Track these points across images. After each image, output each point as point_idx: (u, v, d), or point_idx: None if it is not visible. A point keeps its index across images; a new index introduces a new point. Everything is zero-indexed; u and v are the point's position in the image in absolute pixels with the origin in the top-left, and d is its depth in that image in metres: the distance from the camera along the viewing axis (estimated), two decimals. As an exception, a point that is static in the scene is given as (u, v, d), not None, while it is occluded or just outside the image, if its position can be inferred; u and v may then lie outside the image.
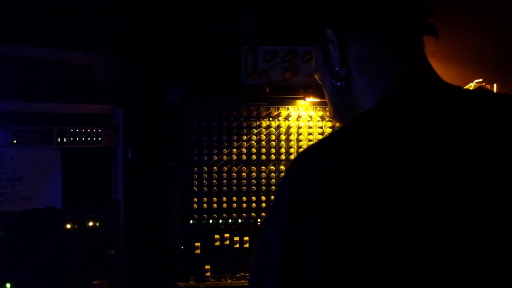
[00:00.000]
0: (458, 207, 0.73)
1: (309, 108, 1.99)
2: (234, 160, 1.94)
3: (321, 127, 1.99)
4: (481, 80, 2.27)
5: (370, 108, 0.88)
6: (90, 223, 1.93)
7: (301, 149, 1.96)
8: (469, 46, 2.45)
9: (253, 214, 1.94)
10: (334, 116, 1.08)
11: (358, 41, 0.95)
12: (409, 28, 0.93)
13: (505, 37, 2.45)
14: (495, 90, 2.20)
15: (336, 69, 0.96)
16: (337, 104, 1.03)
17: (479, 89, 1.89)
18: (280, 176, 1.95)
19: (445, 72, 2.64)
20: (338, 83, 0.97)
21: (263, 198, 1.94)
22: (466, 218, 0.73)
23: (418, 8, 0.95)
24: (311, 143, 1.98)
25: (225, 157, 1.93)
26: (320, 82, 1.09)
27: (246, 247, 1.93)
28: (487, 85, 2.25)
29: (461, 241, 0.72)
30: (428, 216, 0.72)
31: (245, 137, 1.94)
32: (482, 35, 2.43)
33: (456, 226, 0.72)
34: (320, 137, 1.98)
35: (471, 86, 2.28)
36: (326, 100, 1.08)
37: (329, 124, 1.98)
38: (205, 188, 1.92)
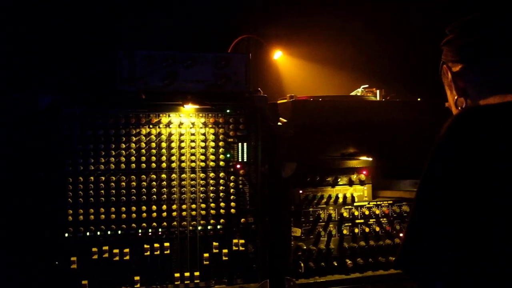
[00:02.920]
0: None
1: (191, 115, 1.95)
2: (113, 169, 1.86)
3: (203, 134, 1.95)
4: (367, 86, 2.32)
5: None
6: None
7: (183, 157, 1.92)
8: (358, 54, 2.52)
9: (133, 225, 1.87)
10: None
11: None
12: None
13: (390, 46, 2.54)
14: (378, 96, 2.25)
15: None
16: None
17: None
18: (162, 185, 1.90)
19: (336, 77, 2.69)
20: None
21: (144, 207, 1.88)
22: None
23: None
24: (193, 150, 1.94)
25: (102, 167, 1.85)
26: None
27: (126, 259, 1.86)
28: (372, 90, 2.31)
29: None
30: None
31: (123, 145, 1.87)
32: (370, 44, 2.50)
33: None
34: (203, 144, 1.94)
35: (359, 91, 2.32)
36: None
37: (212, 130, 1.95)
38: (81, 199, 1.83)
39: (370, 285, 2.08)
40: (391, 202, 2.15)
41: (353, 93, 2.31)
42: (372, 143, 2.10)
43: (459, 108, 1.38)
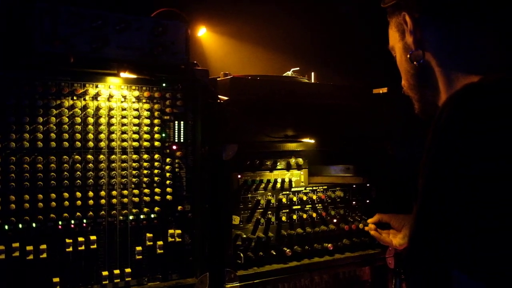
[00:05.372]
0: None
1: (122, 87, 1.68)
2: (26, 148, 1.52)
3: (137, 109, 1.70)
4: (297, 68, 2.25)
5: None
6: None
7: (113, 135, 1.65)
8: (289, 35, 2.44)
9: (52, 215, 1.55)
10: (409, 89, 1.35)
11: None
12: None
13: (322, 30, 2.50)
14: (312, 79, 2.19)
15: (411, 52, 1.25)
16: (411, 81, 1.32)
17: None
18: (88, 168, 1.60)
19: (265, 59, 2.57)
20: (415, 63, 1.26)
21: (66, 195, 1.57)
22: None
23: None
24: (125, 128, 1.68)
25: (13, 144, 1.50)
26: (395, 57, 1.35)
27: (43, 258, 1.53)
28: (305, 74, 2.24)
29: None
30: None
31: (41, 119, 1.54)
32: (300, 26, 2.44)
33: None
34: (136, 121, 1.69)
35: (289, 73, 2.24)
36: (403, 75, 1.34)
37: (147, 106, 1.71)
38: (-16, 185, 1.46)
39: (308, 273, 2.00)
40: (325, 187, 2.10)
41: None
42: (311, 126, 2.03)
43: (414, 63, 1.27)
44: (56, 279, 1.56)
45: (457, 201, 1.01)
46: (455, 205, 1.01)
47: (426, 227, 1.07)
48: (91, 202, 1.61)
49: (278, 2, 2.43)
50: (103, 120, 1.64)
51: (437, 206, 1.04)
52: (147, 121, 1.71)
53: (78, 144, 1.60)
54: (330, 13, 2.49)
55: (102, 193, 1.63)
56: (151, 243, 1.71)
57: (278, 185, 1.98)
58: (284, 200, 1.99)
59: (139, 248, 1.69)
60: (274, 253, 1.94)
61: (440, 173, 1.04)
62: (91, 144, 1.62)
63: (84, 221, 1.61)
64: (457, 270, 1.03)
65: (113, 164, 1.66)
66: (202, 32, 2.33)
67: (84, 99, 1.62)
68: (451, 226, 1.02)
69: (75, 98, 1.60)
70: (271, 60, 2.38)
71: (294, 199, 2.01)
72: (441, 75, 1.25)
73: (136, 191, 1.69)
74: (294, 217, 2.00)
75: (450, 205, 1.02)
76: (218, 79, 1.93)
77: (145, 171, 1.71)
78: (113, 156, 1.66)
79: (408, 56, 1.28)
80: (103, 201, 1.64)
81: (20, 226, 1.51)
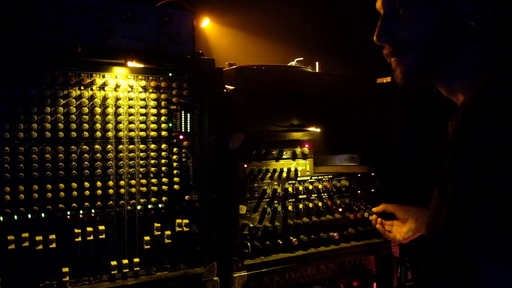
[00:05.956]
0: None
1: (129, 77, 1.68)
2: (35, 138, 1.52)
3: (143, 99, 1.70)
4: (301, 58, 2.25)
5: None
6: None
7: (120, 125, 1.65)
8: (292, 26, 2.44)
9: (61, 205, 1.55)
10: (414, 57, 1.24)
11: None
12: None
13: (325, 21, 2.50)
14: (317, 68, 2.19)
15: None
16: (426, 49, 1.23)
17: None
18: (96, 158, 1.60)
19: (269, 49, 2.57)
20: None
21: (74, 185, 1.57)
22: None
23: None
24: (132, 118, 1.68)
25: (21, 135, 1.50)
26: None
27: (52, 248, 1.54)
28: (308, 64, 2.24)
29: None
30: None
31: (49, 109, 1.54)
32: (304, 16, 2.44)
33: None
34: (143, 111, 1.69)
35: (293, 63, 2.24)
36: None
37: (153, 96, 1.71)
38: (-7, 175, 1.46)
39: (314, 261, 2.01)
40: (331, 176, 2.10)
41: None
42: (316, 115, 2.03)
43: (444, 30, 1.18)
44: (65, 269, 1.56)
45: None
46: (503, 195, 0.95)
47: (463, 216, 1.00)
48: (99, 192, 1.62)
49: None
50: (110, 110, 1.64)
51: (482, 194, 0.97)
52: (154, 110, 1.71)
53: (86, 134, 1.60)
54: (333, 3, 2.49)
55: (110, 183, 1.64)
56: (159, 232, 1.71)
57: (284, 175, 1.99)
58: (290, 189, 1.99)
59: (147, 238, 1.69)
60: (281, 242, 1.95)
61: (489, 163, 0.96)
62: (98, 134, 1.62)
63: (93, 211, 1.61)
64: (490, 260, 0.99)
65: (120, 154, 1.66)
66: (206, 23, 2.33)
67: (91, 89, 1.62)
68: (492, 214, 0.96)
69: (82, 88, 1.60)
70: (275, 51, 2.38)
71: (300, 188, 2.02)
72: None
73: (143, 181, 1.70)
74: (300, 206, 2.01)
75: (498, 194, 0.95)
76: (223, 69, 1.93)
77: (152, 161, 1.71)
78: (121, 146, 1.66)
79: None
80: (111, 191, 1.64)
81: (29, 216, 1.52)
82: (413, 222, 1.93)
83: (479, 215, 0.97)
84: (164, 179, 1.73)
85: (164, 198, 1.73)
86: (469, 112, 1.02)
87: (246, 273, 1.82)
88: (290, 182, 2.01)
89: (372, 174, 2.20)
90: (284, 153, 2.00)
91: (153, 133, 1.71)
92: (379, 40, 1.31)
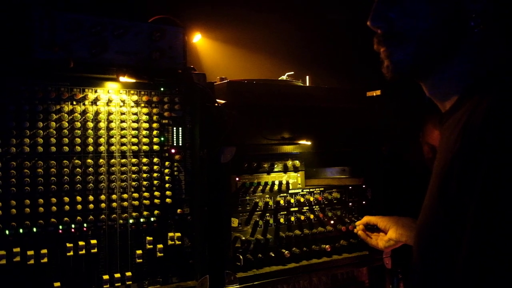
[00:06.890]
0: None
1: (121, 92, 1.70)
2: (27, 153, 1.53)
3: (135, 114, 1.71)
4: (292, 73, 2.28)
5: None
6: None
7: (112, 140, 1.66)
8: (282, 40, 2.47)
9: (53, 220, 1.56)
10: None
11: None
12: None
13: (315, 35, 2.54)
14: (307, 82, 2.22)
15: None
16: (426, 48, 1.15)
17: None
18: (88, 172, 1.61)
19: (259, 62, 2.60)
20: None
21: (66, 199, 1.58)
22: None
23: None
24: (124, 132, 1.69)
25: (13, 149, 1.51)
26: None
27: (44, 262, 1.54)
28: (299, 78, 2.27)
29: None
30: None
31: (41, 124, 1.55)
32: (294, 31, 2.47)
33: None
34: (135, 125, 1.70)
35: (283, 78, 2.27)
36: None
37: (145, 110, 1.72)
38: (-15, 190, 1.47)
39: (306, 274, 2.02)
40: (322, 189, 2.12)
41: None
42: (307, 128, 2.06)
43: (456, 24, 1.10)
44: (57, 284, 1.56)
45: None
46: None
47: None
48: (91, 206, 1.62)
49: (271, 8, 2.46)
50: (102, 124, 1.65)
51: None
52: (146, 125, 1.73)
53: (78, 148, 1.61)
54: (323, 18, 2.53)
55: (102, 197, 1.64)
56: (151, 246, 1.72)
57: (276, 188, 2.00)
58: (281, 202, 2.00)
59: (139, 252, 1.69)
60: (273, 254, 1.95)
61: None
62: (90, 148, 1.63)
63: (85, 225, 1.61)
64: None
65: (112, 168, 1.67)
66: (197, 39, 2.36)
67: (84, 104, 1.63)
68: None
69: (74, 103, 1.62)
70: (266, 65, 2.41)
71: (292, 201, 2.03)
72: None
73: (135, 195, 1.70)
74: (292, 219, 2.02)
75: None
76: (215, 83, 1.95)
77: (144, 175, 1.72)
78: (113, 160, 1.67)
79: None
80: (103, 205, 1.64)
81: (21, 231, 1.52)
82: (394, 232, 1.95)
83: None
84: (156, 193, 1.74)
85: (156, 212, 1.73)
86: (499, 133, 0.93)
87: (238, 286, 1.83)
88: (281, 195, 2.02)
89: (363, 186, 2.22)
90: (275, 166, 2.01)
91: (145, 147, 1.72)
92: (374, 24, 1.19)
